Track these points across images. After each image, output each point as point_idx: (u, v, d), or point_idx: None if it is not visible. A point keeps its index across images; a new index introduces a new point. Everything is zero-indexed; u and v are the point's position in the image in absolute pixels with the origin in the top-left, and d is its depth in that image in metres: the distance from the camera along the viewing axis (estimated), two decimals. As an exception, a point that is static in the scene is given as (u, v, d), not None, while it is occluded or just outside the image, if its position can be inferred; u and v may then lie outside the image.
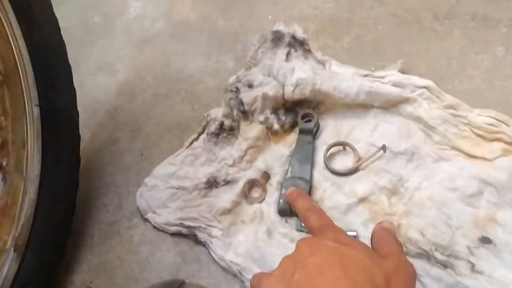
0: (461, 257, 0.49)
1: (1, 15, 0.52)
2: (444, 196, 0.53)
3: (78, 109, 0.64)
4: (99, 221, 0.65)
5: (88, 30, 0.94)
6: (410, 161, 0.56)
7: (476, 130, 0.55)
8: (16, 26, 0.53)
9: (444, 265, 0.49)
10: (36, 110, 0.57)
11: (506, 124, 0.54)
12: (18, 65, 0.55)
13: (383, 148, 0.56)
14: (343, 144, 0.59)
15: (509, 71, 0.62)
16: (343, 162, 0.59)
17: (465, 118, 0.56)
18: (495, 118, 0.55)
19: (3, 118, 0.55)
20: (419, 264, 0.50)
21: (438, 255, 0.49)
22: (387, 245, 0.41)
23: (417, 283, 0.49)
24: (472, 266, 0.48)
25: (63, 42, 0.60)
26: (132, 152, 0.72)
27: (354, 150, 0.58)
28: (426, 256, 0.50)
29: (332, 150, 0.60)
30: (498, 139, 0.54)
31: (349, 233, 0.53)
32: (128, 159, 0.71)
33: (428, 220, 0.52)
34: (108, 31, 0.93)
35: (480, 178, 0.52)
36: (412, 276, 0.38)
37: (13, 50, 0.54)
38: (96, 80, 0.85)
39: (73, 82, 0.63)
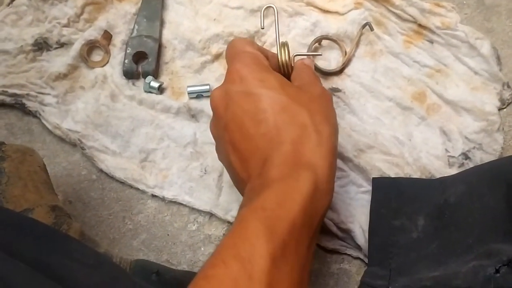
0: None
1: None
2: (296, 50, 0.52)
3: None
4: None
5: None
6: (266, 17, 0.53)
7: (330, -14, 0.54)
8: None
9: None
10: None
11: (357, -21, 0.54)
12: None
13: (369, 25, 0.51)
14: (328, 39, 0.52)
15: None
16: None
17: (320, -26, 0.54)
18: (348, -26, 0.54)
19: None
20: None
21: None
22: (307, 76, 0.40)
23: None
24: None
25: None
26: None
27: (341, 46, 0.52)
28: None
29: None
30: (351, -7, 0.53)
31: (202, 87, 0.50)
32: None
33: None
34: None
35: (333, 33, 0.52)
36: (331, 100, 0.39)
37: None
38: None
39: None
